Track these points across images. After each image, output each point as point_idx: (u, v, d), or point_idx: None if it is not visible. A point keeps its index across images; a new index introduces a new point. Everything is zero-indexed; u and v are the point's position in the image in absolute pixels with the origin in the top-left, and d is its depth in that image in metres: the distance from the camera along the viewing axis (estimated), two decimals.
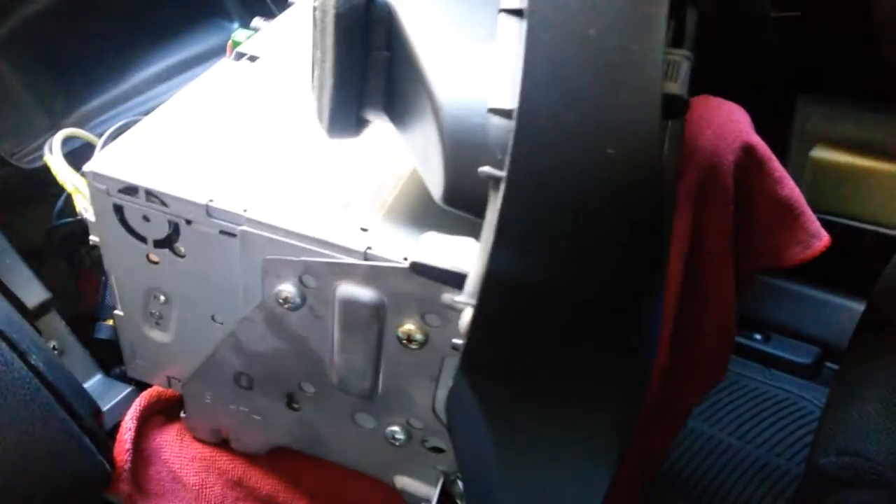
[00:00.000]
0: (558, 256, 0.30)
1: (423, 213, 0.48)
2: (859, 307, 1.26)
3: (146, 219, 0.49)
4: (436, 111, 0.39)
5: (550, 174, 0.31)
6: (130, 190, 0.48)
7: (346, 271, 0.46)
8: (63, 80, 0.78)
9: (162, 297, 0.54)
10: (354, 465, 0.57)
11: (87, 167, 0.49)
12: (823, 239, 0.74)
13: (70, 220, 0.68)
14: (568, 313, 0.30)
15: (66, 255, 0.72)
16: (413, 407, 0.50)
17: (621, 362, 0.33)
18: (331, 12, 0.40)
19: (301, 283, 0.48)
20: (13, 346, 0.51)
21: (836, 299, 1.30)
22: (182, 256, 0.50)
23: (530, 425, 0.32)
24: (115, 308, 0.66)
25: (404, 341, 0.47)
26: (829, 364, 1.29)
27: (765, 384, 1.29)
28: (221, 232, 0.48)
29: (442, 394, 0.49)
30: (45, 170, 0.71)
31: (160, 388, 0.61)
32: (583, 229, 0.31)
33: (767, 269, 0.79)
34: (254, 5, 0.92)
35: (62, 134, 0.61)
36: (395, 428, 0.52)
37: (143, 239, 0.50)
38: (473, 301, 0.29)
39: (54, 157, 0.59)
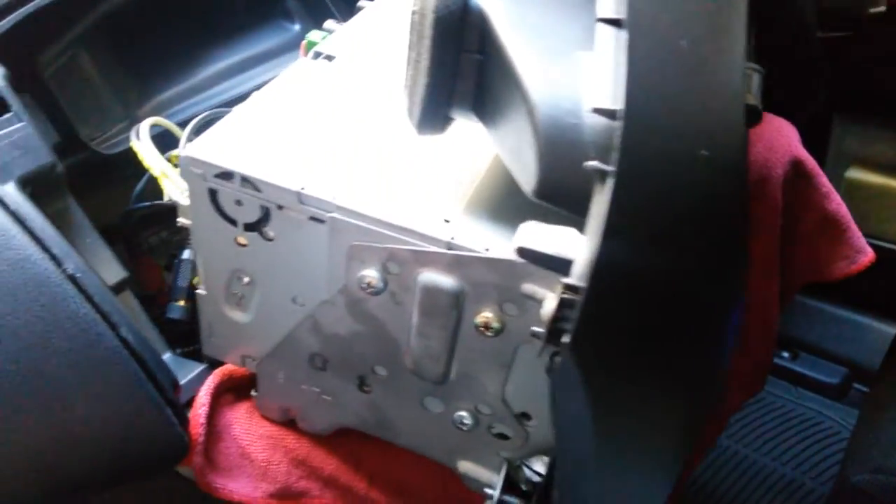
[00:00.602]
0: (661, 244, 0.32)
1: (501, 207, 0.51)
2: (889, 329, 1.27)
3: (239, 203, 0.52)
4: (530, 111, 0.41)
5: (653, 170, 0.34)
6: (226, 175, 0.51)
7: (429, 259, 0.49)
8: (138, 72, 0.81)
9: (246, 279, 0.56)
10: (419, 448, 0.59)
11: (184, 152, 0.52)
12: (868, 254, 0.76)
13: (147, 203, 0.72)
14: (667, 297, 0.32)
15: (129, 239, 0.76)
16: (483, 393, 0.53)
17: (708, 352, 0.36)
18: (430, 16, 0.43)
19: (384, 269, 0.50)
20: (105, 317, 0.54)
21: (866, 320, 1.31)
22: (270, 240, 0.53)
23: (627, 402, 0.35)
24: (187, 288, 0.69)
25: (481, 328, 0.49)
26: (856, 385, 1.30)
27: (791, 402, 1.30)
28: (311, 218, 0.51)
29: (512, 382, 0.52)
30: (120, 156, 0.75)
31: (231, 367, 0.64)
32: (682, 220, 0.34)
33: (811, 283, 0.81)
34: (314, 8, 0.95)
35: (149, 122, 0.64)
36: (464, 413, 0.55)
37: (233, 222, 0.53)
38: (584, 284, 0.32)
39: (142, 143, 0.62)
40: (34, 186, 0.59)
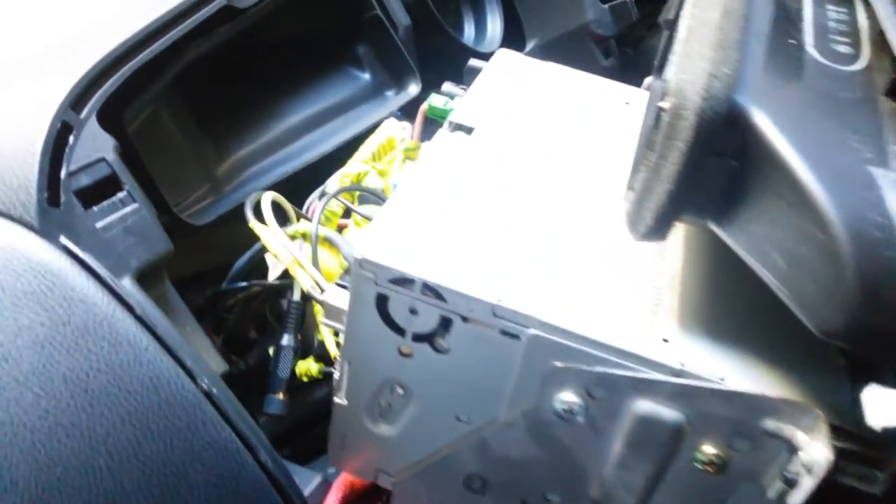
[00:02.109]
0: None
1: (724, 324, 0.45)
2: None
3: (413, 311, 0.45)
4: (825, 231, 0.35)
5: None
6: (404, 281, 0.44)
7: (649, 387, 0.42)
8: (214, 129, 0.74)
9: (400, 390, 0.49)
10: None
11: (357, 253, 0.44)
12: None
13: (244, 283, 0.64)
14: None
15: (216, 322, 0.68)
16: None
17: None
18: (690, 119, 0.37)
19: (587, 393, 0.44)
20: (244, 440, 0.46)
21: None
22: (443, 352, 0.46)
23: None
24: (288, 380, 0.62)
25: (703, 465, 0.43)
26: None
27: None
28: (502, 332, 0.44)
29: None
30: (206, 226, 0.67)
31: (352, 478, 0.56)
32: None
33: None
34: (385, 55, 0.89)
35: (269, 197, 0.57)
36: None
37: (401, 331, 0.46)
38: None
39: (269, 228, 0.54)
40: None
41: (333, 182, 0.68)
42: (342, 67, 0.88)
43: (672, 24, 0.58)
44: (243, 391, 0.57)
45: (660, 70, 0.58)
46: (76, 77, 0.51)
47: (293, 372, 0.63)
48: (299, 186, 0.75)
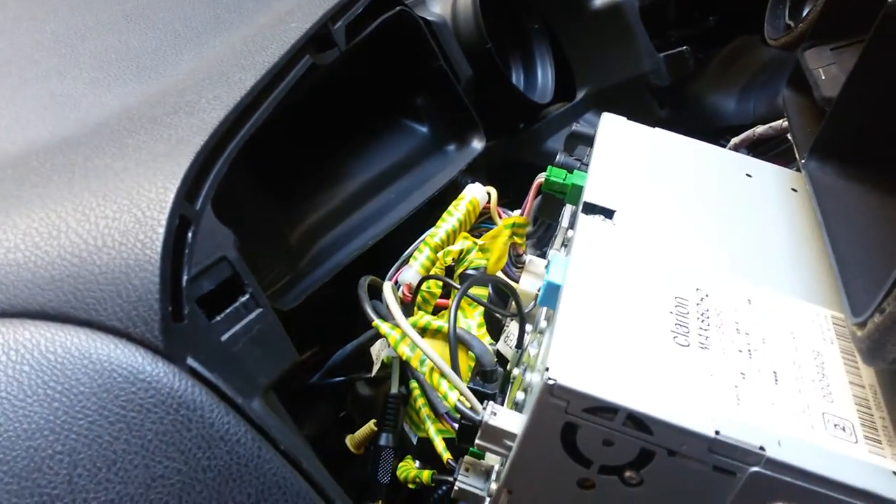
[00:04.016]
0: None
1: None
2: None
3: (608, 443, 0.39)
4: None
5: None
6: (604, 410, 0.38)
7: None
8: (283, 197, 0.67)
9: None
10: None
11: (548, 378, 0.38)
12: None
13: (340, 378, 0.57)
14: None
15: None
16: None
17: None
18: None
19: None
20: None
21: None
22: (635, 486, 0.40)
23: None
24: (387, 485, 0.56)
25: None
26: None
27: None
28: (716, 468, 0.38)
29: None
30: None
31: None
32: None
33: None
34: (443, 105, 0.83)
35: (388, 288, 0.50)
36: None
37: (587, 462, 0.40)
38: None
39: (398, 329, 0.47)
40: None
41: (420, 255, 0.62)
42: (400, 121, 0.82)
43: (829, 102, 0.54)
44: None
45: (818, 152, 0.54)
46: (187, 161, 0.44)
47: (393, 475, 0.57)
48: (374, 255, 0.69)
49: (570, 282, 0.45)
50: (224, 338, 0.41)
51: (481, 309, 0.60)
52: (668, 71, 0.96)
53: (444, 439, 0.55)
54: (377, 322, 0.49)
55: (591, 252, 0.48)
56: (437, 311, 0.61)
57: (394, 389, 0.57)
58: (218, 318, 0.42)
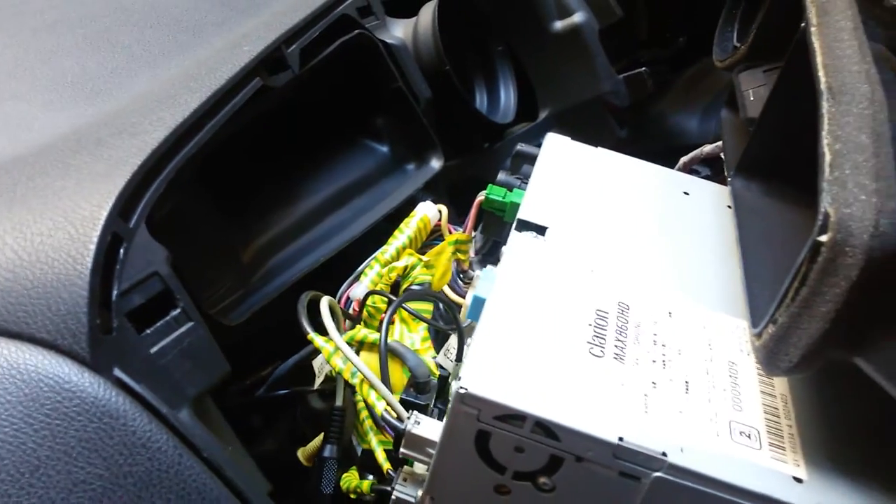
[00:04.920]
0: None
1: (849, 459, 0.41)
2: None
3: (519, 450, 0.41)
4: None
5: None
6: (513, 418, 0.40)
7: None
8: (237, 214, 0.69)
9: None
10: None
11: (462, 388, 0.40)
12: None
13: (283, 391, 0.58)
14: None
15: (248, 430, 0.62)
16: None
17: None
18: (858, 256, 0.34)
19: None
20: None
21: None
22: (547, 491, 0.42)
23: None
24: (331, 496, 0.57)
25: None
26: None
27: None
28: (622, 473, 0.40)
29: None
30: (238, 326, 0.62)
31: None
32: None
33: None
34: (404, 126, 0.85)
35: (326, 302, 0.52)
36: None
37: (501, 469, 0.42)
38: None
39: (332, 342, 0.49)
40: None
41: (370, 271, 0.64)
42: (360, 141, 0.84)
43: (751, 122, 0.56)
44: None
45: (742, 170, 0.56)
46: (122, 180, 0.45)
47: (337, 485, 0.58)
48: (326, 272, 0.70)
49: (493, 295, 0.47)
50: (153, 350, 0.43)
51: (425, 324, 0.61)
52: (628, 92, 0.98)
53: (386, 450, 0.56)
54: (312, 335, 0.51)
55: (518, 267, 0.50)
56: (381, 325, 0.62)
57: (339, 402, 0.59)
58: (148, 332, 0.43)
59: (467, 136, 0.93)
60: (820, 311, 0.36)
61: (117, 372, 0.40)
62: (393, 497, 0.50)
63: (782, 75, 0.50)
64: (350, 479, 0.58)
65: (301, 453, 0.63)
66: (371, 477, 0.57)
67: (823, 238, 0.35)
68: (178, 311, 0.45)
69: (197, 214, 0.65)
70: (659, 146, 1.06)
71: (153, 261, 0.45)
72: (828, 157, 0.37)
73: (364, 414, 0.58)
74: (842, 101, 0.39)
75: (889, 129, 0.37)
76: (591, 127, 0.98)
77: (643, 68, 0.98)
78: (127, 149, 0.48)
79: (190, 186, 0.64)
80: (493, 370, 0.41)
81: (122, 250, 0.43)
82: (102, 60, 0.66)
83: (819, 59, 0.43)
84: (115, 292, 0.42)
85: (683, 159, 0.79)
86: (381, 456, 0.56)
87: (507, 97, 0.99)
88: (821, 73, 0.42)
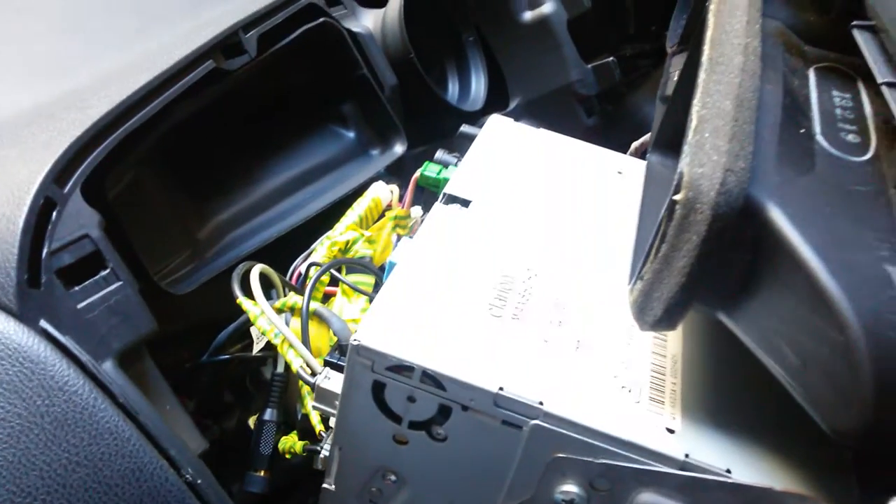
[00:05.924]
0: None
1: (725, 412, 0.44)
2: None
3: (411, 399, 0.44)
4: (842, 332, 0.34)
5: None
6: (403, 369, 0.43)
7: (653, 479, 0.41)
8: (196, 191, 0.72)
9: (392, 477, 0.47)
10: None
11: (355, 340, 0.43)
12: None
13: (226, 357, 0.62)
14: None
15: (200, 397, 0.65)
16: None
17: None
18: (705, 212, 0.36)
19: (590, 484, 0.42)
20: None
21: None
22: (440, 440, 0.45)
23: None
24: (270, 457, 0.60)
25: None
26: None
27: None
28: (504, 422, 0.43)
29: None
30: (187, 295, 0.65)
31: None
32: None
33: None
34: (370, 113, 0.88)
35: (257, 270, 0.55)
36: None
37: (397, 419, 0.45)
38: None
39: (258, 305, 0.52)
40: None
41: (320, 247, 0.67)
42: (327, 126, 0.87)
43: (667, 101, 0.58)
44: (218, 459, 0.55)
45: (657, 145, 0.58)
46: (60, 149, 0.49)
47: (276, 447, 0.61)
48: (284, 249, 0.73)
49: (403, 260, 0.50)
50: (80, 305, 0.46)
51: (366, 297, 0.64)
52: (596, 81, 1.00)
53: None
54: (241, 300, 0.54)
55: (433, 235, 0.52)
56: (326, 298, 0.65)
57: (280, 369, 0.62)
58: (76, 289, 0.47)
59: (435, 123, 0.95)
60: (678, 266, 0.38)
61: (43, 323, 0.44)
62: (321, 455, 0.53)
63: (689, 53, 0.52)
64: (287, 440, 0.61)
65: (252, 420, 0.66)
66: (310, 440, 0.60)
67: (678, 197, 0.37)
68: (108, 270, 0.48)
69: (156, 190, 0.68)
70: (631, 136, 1.08)
71: (85, 224, 0.48)
72: (693, 122, 0.39)
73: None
74: (716, 71, 0.42)
75: (755, 97, 0.39)
76: (559, 114, 1.00)
77: (611, 58, 1.01)
78: (70, 121, 0.52)
79: (151, 164, 0.68)
80: (387, 325, 0.44)
81: (54, 213, 0.47)
82: (71, 45, 0.70)
83: (708, 34, 0.45)
84: (45, 251, 0.45)
85: (635, 144, 0.81)
86: (314, 418, 0.59)
87: (478, 85, 1.02)
88: (706, 47, 0.44)
